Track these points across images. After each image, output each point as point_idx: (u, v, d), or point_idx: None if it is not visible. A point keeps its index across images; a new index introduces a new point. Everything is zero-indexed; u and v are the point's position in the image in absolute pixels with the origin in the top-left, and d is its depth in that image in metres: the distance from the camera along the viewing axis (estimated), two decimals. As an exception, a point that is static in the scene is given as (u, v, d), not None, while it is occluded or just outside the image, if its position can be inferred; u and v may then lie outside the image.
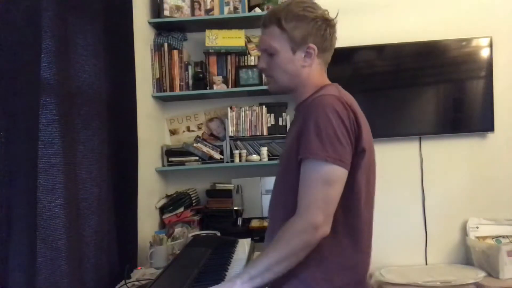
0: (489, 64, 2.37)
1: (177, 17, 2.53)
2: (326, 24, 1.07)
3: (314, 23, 1.05)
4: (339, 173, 0.96)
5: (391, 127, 2.39)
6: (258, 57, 1.19)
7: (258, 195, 2.55)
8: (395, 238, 2.45)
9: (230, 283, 0.98)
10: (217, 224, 2.38)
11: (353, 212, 1.03)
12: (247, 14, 2.50)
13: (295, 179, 1.00)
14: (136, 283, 1.57)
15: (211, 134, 2.74)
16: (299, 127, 1.02)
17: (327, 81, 1.14)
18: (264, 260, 0.97)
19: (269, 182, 2.56)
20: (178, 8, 2.54)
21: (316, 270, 1.01)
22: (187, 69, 2.56)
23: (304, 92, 1.11)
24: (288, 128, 2.50)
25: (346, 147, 0.96)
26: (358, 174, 1.01)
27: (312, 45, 1.06)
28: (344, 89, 1.10)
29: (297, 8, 1.05)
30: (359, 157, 1.00)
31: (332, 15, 1.11)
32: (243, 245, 1.64)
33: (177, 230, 2.11)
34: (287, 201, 1.05)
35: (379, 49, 2.41)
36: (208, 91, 2.55)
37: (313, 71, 1.10)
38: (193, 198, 2.54)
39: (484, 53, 2.37)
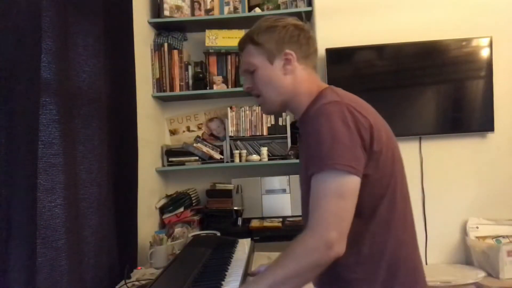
0: (489, 64, 2.37)
1: (177, 17, 2.53)
2: (299, 30, 1.07)
3: (286, 31, 1.06)
4: (351, 183, 0.90)
5: (391, 127, 2.37)
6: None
7: (258, 195, 2.55)
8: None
9: None
10: (217, 224, 2.38)
11: (381, 212, 0.98)
12: (247, 14, 2.51)
13: None
14: (136, 283, 1.57)
15: (211, 134, 2.74)
16: (306, 142, 0.99)
17: (322, 85, 1.09)
18: (269, 277, 0.89)
19: (269, 182, 2.56)
20: (178, 8, 2.54)
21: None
22: (187, 69, 2.56)
23: (299, 103, 1.08)
24: (285, 130, 2.51)
25: (354, 150, 0.91)
26: (379, 175, 0.96)
27: (288, 51, 1.05)
28: (343, 90, 1.06)
29: (266, 22, 1.09)
30: (376, 158, 0.95)
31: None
32: (243, 245, 1.64)
33: (177, 230, 2.11)
34: None
35: (379, 49, 2.41)
36: (208, 91, 2.55)
37: (299, 78, 1.07)
38: (193, 198, 2.54)
39: (484, 53, 2.37)
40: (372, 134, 0.94)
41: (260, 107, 1.18)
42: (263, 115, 2.52)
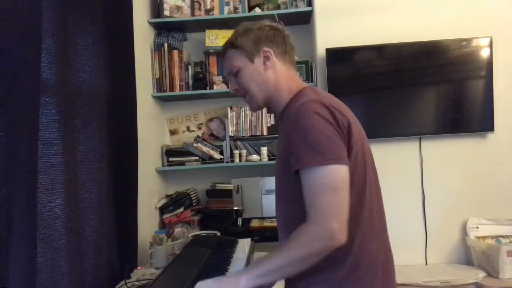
0: (489, 64, 2.37)
1: (177, 17, 2.53)
2: (273, 30, 1.15)
3: (261, 31, 1.14)
4: (342, 173, 0.95)
5: (391, 127, 2.39)
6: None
7: (258, 195, 2.55)
8: (395, 238, 2.39)
9: (236, 278, 0.97)
10: (217, 224, 2.38)
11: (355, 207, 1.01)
12: (247, 14, 2.50)
13: (291, 188, 1.02)
14: (136, 283, 1.57)
15: (211, 134, 2.74)
16: (286, 137, 1.03)
17: (302, 84, 1.16)
18: (275, 260, 0.95)
19: (269, 182, 2.56)
20: (178, 8, 2.54)
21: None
22: (187, 69, 2.56)
23: (280, 98, 1.14)
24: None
25: (338, 143, 0.97)
26: (351, 170, 0.99)
27: (266, 48, 1.13)
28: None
29: (243, 27, 1.17)
30: (350, 154, 1.00)
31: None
32: (243, 245, 1.64)
33: (177, 230, 2.11)
34: (285, 209, 1.09)
35: (379, 49, 2.41)
36: (208, 91, 2.55)
37: (279, 74, 1.14)
38: (193, 198, 2.54)
39: (484, 53, 2.37)
40: (349, 131, 1.01)
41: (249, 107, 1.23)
42: (263, 115, 2.52)
